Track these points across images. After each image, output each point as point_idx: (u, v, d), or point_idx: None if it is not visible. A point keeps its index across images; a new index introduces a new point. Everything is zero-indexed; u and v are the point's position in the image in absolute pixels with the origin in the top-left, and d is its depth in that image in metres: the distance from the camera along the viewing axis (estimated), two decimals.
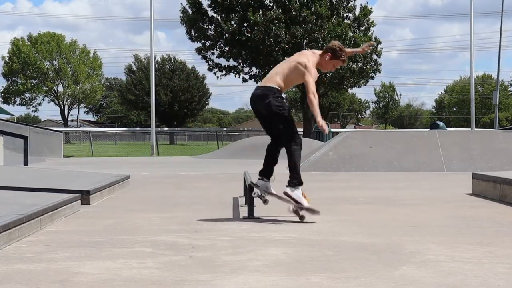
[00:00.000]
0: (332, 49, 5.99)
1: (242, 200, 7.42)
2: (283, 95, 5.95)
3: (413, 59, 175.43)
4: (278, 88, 5.88)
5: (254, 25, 35.88)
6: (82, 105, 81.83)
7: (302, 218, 5.71)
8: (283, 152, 5.98)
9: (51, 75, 70.69)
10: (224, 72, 40.36)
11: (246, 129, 63.81)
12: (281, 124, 5.85)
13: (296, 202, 5.69)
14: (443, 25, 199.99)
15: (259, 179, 6.05)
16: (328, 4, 37.17)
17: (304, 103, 39.91)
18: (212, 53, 39.75)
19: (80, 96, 73.28)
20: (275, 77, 5.93)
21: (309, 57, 5.94)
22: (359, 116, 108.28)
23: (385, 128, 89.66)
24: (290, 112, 5.98)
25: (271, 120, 5.91)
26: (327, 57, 5.99)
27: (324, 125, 5.69)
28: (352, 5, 39.05)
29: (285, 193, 5.76)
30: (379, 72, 39.63)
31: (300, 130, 54.85)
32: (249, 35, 36.98)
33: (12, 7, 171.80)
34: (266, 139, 6.37)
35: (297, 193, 5.73)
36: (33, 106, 74.36)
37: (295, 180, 5.78)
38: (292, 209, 5.71)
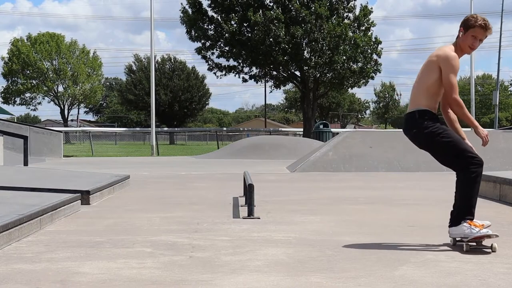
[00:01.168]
0: (463, 22, 4.78)
1: (242, 200, 7.42)
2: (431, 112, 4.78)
3: (412, 59, 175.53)
4: (421, 108, 4.74)
5: (254, 25, 35.88)
6: (82, 105, 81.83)
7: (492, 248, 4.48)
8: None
9: (51, 75, 70.69)
10: (224, 72, 40.39)
11: (246, 129, 63.81)
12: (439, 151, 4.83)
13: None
14: (442, 25, 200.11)
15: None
16: (328, 4, 37.17)
17: (304, 103, 39.98)
18: (212, 53, 39.78)
19: (80, 96, 73.28)
20: (414, 97, 4.86)
21: (443, 48, 4.85)
22: (359, 116, 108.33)
23: (385, 128, 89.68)
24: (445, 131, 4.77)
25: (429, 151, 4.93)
26: (461, 33, 4.76)
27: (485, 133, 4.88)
28: (352, 5, 39.06)
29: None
30: (379, 72, 39.65)
31: (300, 130, 54.85)
32: (249, 35, 37.01)
33: (11, 7, 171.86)
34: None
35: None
36: (33, 106, 74.44)
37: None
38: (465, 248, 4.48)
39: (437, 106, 4.86)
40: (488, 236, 4.43)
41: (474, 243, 4.43)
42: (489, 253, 4.30)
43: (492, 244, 4.41)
